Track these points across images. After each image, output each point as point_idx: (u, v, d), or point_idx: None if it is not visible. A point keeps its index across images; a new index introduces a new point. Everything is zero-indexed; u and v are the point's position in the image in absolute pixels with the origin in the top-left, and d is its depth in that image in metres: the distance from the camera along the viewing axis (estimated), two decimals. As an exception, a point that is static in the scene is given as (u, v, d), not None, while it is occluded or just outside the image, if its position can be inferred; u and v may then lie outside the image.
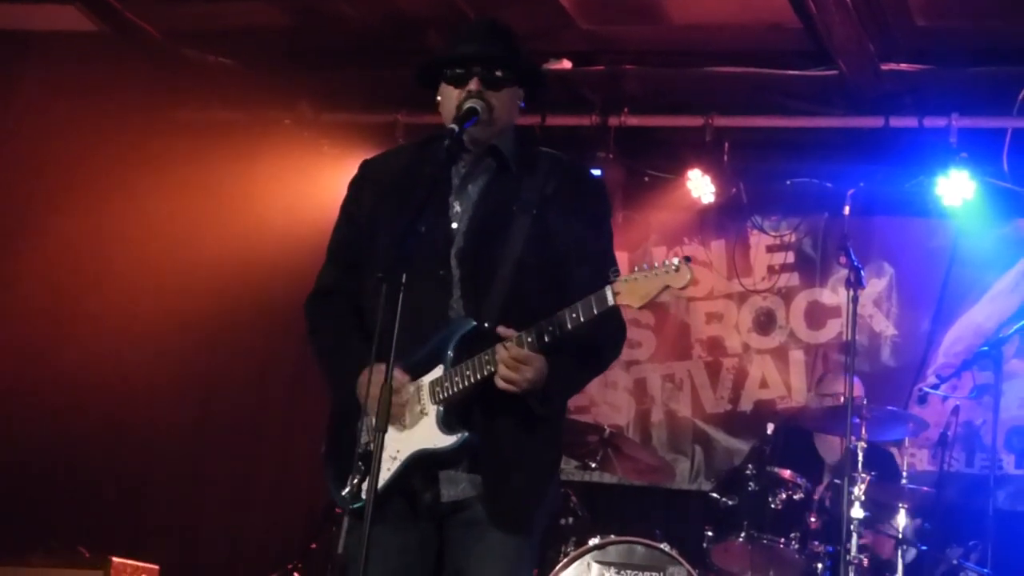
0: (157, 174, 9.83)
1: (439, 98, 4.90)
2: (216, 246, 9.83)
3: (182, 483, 10.30)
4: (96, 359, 9.52)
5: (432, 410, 4.69)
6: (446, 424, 4.67)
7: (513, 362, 4.55)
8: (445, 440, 4.65)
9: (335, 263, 5.03)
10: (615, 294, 4.55)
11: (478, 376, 4.62)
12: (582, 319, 4.56)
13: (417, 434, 4.70)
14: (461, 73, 4.80)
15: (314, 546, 8.78)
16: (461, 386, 4.65)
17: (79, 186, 9.52)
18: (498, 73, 4.81)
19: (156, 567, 8.44)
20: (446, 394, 4.67)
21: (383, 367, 4.38)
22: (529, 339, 4.56)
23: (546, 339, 4.56)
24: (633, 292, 4.55)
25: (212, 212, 9.85)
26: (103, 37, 9.45)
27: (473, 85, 4.77)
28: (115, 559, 8.06)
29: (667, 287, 4.57)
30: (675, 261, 4.56)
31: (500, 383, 4.58)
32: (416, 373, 4.73)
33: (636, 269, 4.60)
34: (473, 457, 4.68)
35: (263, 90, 9.83)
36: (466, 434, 4.64)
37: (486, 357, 4.61)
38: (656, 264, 4.59)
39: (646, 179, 10.31)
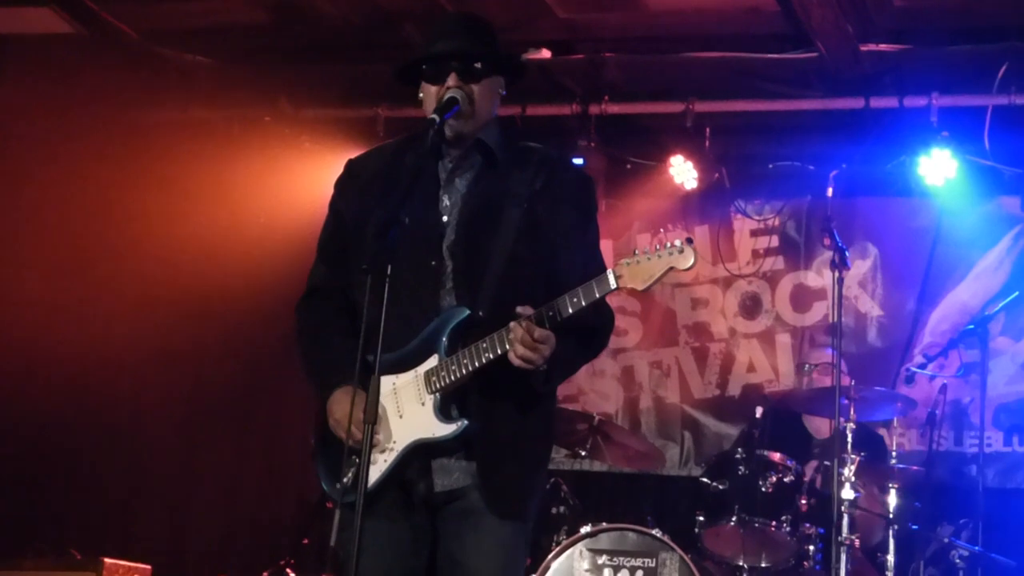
0: (138, 174, 9.81)
1: (421, 95, 4.93)
2: (200, 244, 9.83)
3: (172, 483, 10.30)
4: (83, 360, 9.50)
5: (429, 399, 4.70)
6: (444, 413, 4.68)
7: (532, 341, 4.54)
8: (444, 429, 4.66)
9: (324, 261, 5.05)
10: (617, 277, 4.57)
11: (476, 364, 4.63)
12: (583, 303, 4.57)
13: (414, 424, 4.70)
14: (439, 71, 4.81)
15: (306, 542, 8.78)
16: (458, 374, 4.66)
17: (59, 187, 9.50)
18: (476, 65, 4.83)
19: (148, 567, 8.43)
20: (442, 383, 4.68)
21: (351, 391, 4.48)
22: (525, 323, 4.56)
23: (545, 324, 4.56)
24: (636, 275, 4.57)
25: (194, 210, 9.84)
26: (80, 39, 9.41)
27: (451, 81, 4.79)
28: (107, 560, 8.05)
29: (671, 268, 4.58)
30: (678, 242, 4.59)
31: (516, 361, 4.57)
32: (411, 363, 4.73)
33: (636, 252, 4.62)
34: (468, 444, 4.69)
35: (242, 88, 9.80)
36: (465, 422, 4.65)
37: (484, 344, 4.61)
38: (658, 246, 4.60)
39: (628, 166, 10.32)
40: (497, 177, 4.88)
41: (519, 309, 4.58)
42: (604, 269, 4.68)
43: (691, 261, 4.57)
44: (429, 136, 4.67)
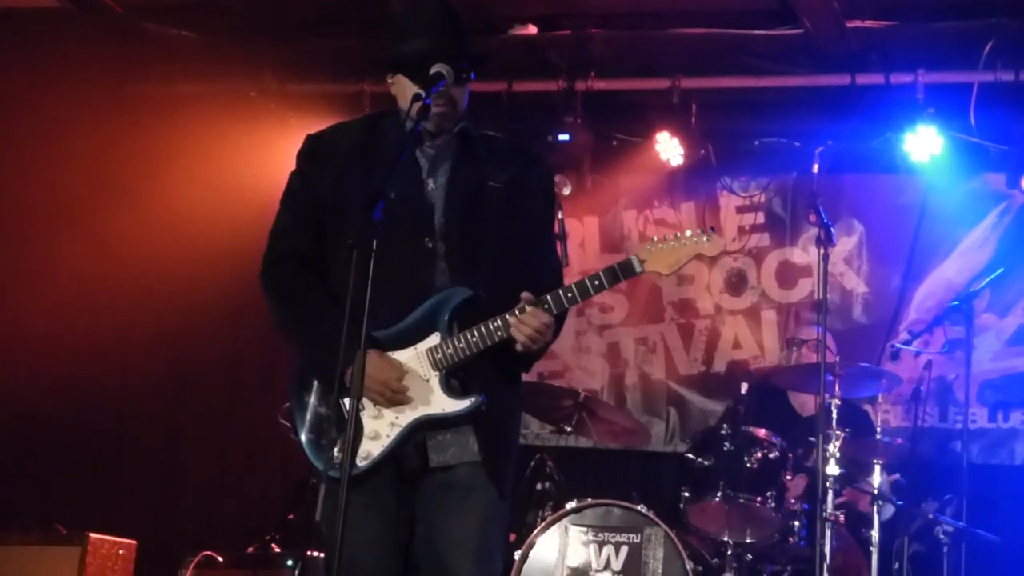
0: (123, 150, 9.80)
1: (390, 80, 4.98)
2: (185, 218, 9.81)
3: (158, 458, 10.31)
4: (67, 335, 9.51)
5: (433, 376, 4.76)
6: (451, 389, 4.77)
7: (544, 327, 4.69)
8: (456, 405, 4.74)
9: (298, 229, 5.01)
10: (642, 261, 4.74)
11: (487, 343, 4.73)
12: (606, 286, 4.74)
13: (419, 400, 4.75)
14: (422, 71, 4.81)
15: (291, 517, 8.79)
16: (466, 352, 4.74)
17: (44, 163, 9.48)
18: (455, 66, 4.84)
19: (133, 542, 8.43)
20: (449, 360, 4.75)
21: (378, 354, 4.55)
22: (545, 305, 4.70)
23: (565, 304, 4.72)
24: (660, 260, 4.77)
25: (180, 185, 9.82)
26: (66, 12, 9.37)
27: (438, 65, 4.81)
28: (92, 535, 8.05)
29: (697, 255, 4.77)
30: (699, 231, 4.78)
31: (525, 343, 4.70)
32: (409, 340, 4.79)
33: (655, 239, 4.79)
34: (471, 420, 4.76)
35: (227, 63, 9.77)
36: (478, 398, 4.73)
37: (496, 324, 4.71)
38: (679, 234, 4.78)
39: (614, 143, 10.30)
40: (475, 164, 4.96)
41: (524, 295, 4.71)
42: (559, 259, 4.98)
43: (720, 248, 4.83)
44: (416, 113, 4.69)
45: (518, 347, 4.72)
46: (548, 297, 4.69)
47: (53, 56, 9.32)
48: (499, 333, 4.70)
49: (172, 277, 9.87)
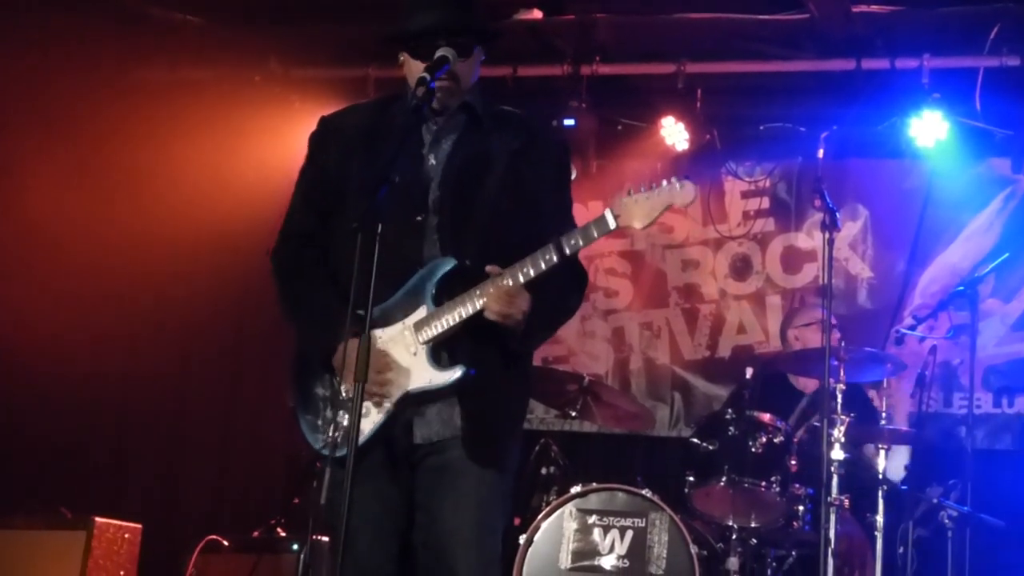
0: (127, 134, 9.78)
1: (401, 60, 4.98)
2: (189, 203, 9.80)
3: (163, 442, 10.31)
4: (73, 319, 9.50)
5: (421, 349, 4.74)
6: (438, 361, 4.74)
7: (507, 296, 4.62)
8: (442, 377, 4.71)
9: (306, 209, 5.05)
10: (616, 216, 4.62)
11: (469, 311, 4.68)
12: (582, 244, 4.65)
13: (407, 374, 4.74)
14: (425, 47, 4.83)
15: (296, 501, 8.79)
16: (450, 323, 4.72)
17: (48, 149, 9.47)
18: (460, 40, 4.84)
19: (139, 526, 8.43)
20: (434, 332, 4.73)
21: (357, 340, 4.45)
22: (524, 269, 4.64)
23: (543, 266, 4.63)
24: (634, 213, 4.64)
25: (183, 170, 9.82)
26: (69, -3, 9.39)
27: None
28: (98, 519, 8.05)
29: (670, 205, 4.62)
30: (674, 180, 4.66)
31: (492, 316, 4.64)
32: (397, 315, 4.77)
33: (630, 192, 4.67)
34: (457, 393, 4.74)
35: (232, 47, 9.78)
36: (464, 369, 4.70)
37: (477, 292, 4.66)
38: (654, 185, 4.65)
39: (619, 128, 10.31)
40: (480, 137, 4.94)
41: (488, 268, 4.65)
42: (571, 228, 4.77)
43: (692, 196, 4.69)
44: (419, 96, 4.69)
45: (488, 316, 4.66)
46: (528, 260, 4.63)
47: (56, 40, 9.31)
48: (479, 301, 4.67)
49: (176, 262, 9.87)
